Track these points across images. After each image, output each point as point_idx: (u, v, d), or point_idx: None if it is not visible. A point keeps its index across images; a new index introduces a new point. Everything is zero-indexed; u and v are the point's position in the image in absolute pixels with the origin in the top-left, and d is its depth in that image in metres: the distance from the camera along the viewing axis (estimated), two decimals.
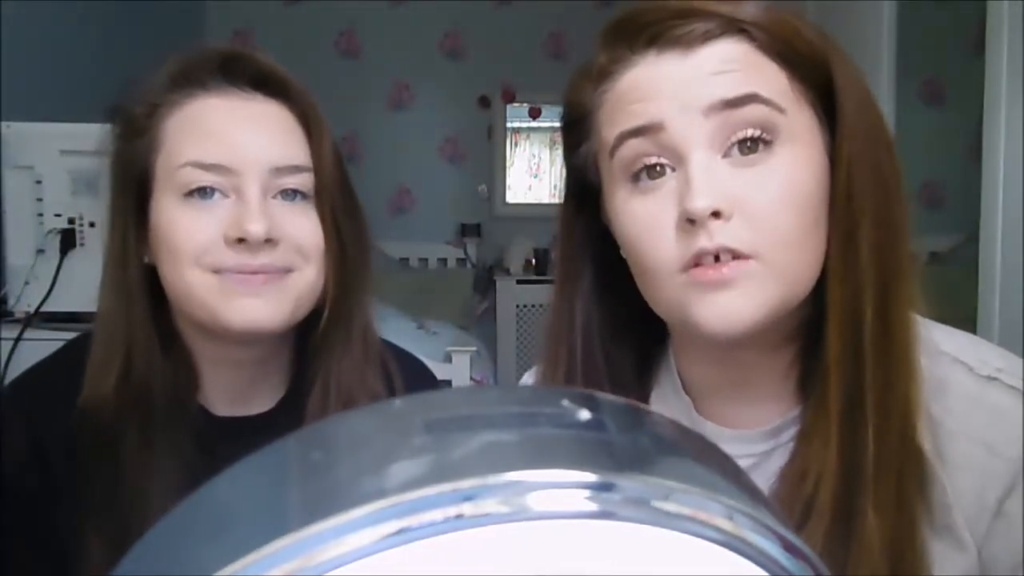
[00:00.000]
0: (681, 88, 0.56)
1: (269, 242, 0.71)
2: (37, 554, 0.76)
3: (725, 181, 0.55)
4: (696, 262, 0.56)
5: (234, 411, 0.81)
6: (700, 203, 0.54)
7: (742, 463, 0.67)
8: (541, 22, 4.18)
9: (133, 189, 0.75)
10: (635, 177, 0.59)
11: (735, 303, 0.55)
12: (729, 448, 0.68)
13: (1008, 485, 0.57)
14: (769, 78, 0.57)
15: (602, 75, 0.61)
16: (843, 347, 0.57)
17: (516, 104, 4.26)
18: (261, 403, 0.82)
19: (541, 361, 0.71)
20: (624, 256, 0.63)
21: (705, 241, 0.55)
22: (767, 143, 0.56)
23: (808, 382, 0.61)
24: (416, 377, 0.90)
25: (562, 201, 0.69)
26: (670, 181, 0.57)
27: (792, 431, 0.62)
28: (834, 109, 0.59)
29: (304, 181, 0.75)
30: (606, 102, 0.61)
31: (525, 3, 4.17)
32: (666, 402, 0.69)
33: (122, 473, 0.73)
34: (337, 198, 0.76)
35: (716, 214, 0.55)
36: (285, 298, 0.73)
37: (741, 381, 0.64)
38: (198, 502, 0.25)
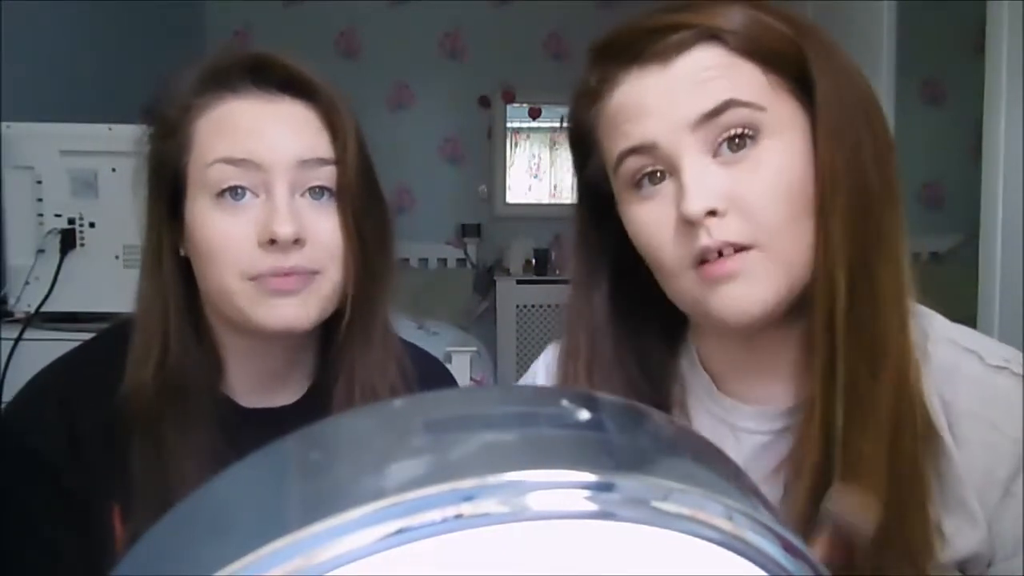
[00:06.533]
0: (665, 104, 0.60)
1: (298, 242, 0.74)
2: (67, 537, 0.77)
3: (717, 180, 0.59)
4: (702, 259, 0.60)
5: (260, 402, 0.83)
6: (695, 206, 0.58)
7: (759, 439, 0.67)
8: (541, 22, 4.17)
9: (166, 188, 0.78)
10: (638, 185, 0.63)
11: (745, 292, 0.59)
12: (747, 424, 0.68)
13: (1015, 465, 0.60)
14: (746, 78, 0.60)
15: (594, 95, 0.65)
16: (824, 315, 0.60)
17: (516, 104, 4.26)
18: (286, 395, 0.84)
19: (560, 351, 0.73)
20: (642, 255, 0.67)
21: (706, 239, 0.59)
22: (752, 138, 0.60)
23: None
24: (432, 375, 0.92)
25: (575, 210, 0.72)
26: (668, 185, 0.61)
27: None
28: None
29: (330, 175, 0.77)
30: (601, 120, 0.65)
31: (525, 3, 4.17)
32: (686, 383, 0.72)
33: (152, 460, 0.75)
34: (360, 196, 0.78)
35: (712, 213, 0.59)
36: (314, 299, 0.76)
37: (757, 361, 0.68)
38: (198, 502, 0.25)
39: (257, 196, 0.75)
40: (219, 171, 0.74)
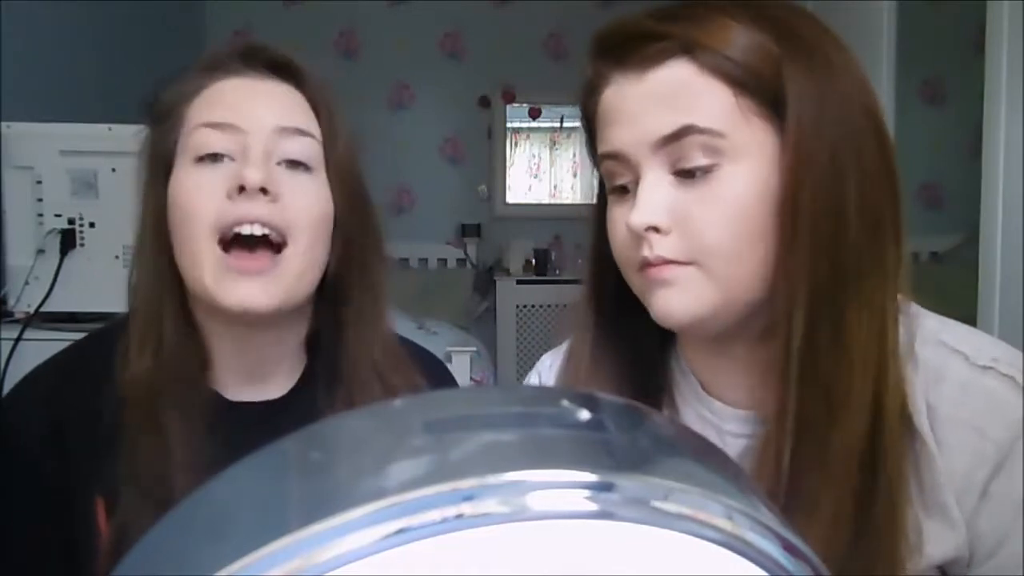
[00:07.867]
0: (635, 118, 0.62)
1: (268, 195, 0.75)
2: (41, 526, 0.78)
3: (669, 199, 0.61)
4: (644, 265, 0.63)
5: (246, 395, 0.83)
6: (637, 219, 0.61)
7: (745, 443, 0.66)
8: (541, 22, 4.18)
9: (161, 172, 0.79)
10: (613, 190, 0.66)
11: (676, 299, 0.62)
12: (733, 427, 0.68)
13: (995, 466, 0.59)
14: (711, 101, 0.59)
15: (592, 89, 0.66)
16: (784, 350, 0.60)
17: (516, 104, 4.26)
18: (273, 389, 0.84)
19: (568, 340, 0.75)
20: None
21: (646, 251, 0.62)
22: (710, 167, 0.60)
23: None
24: (433, 376, 0.91)
25: (595, 197, 0.73)
26: (632, 193, 0.64)
27: None
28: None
29: (306, 148, 0.79)
30: (598, 113, 0.66)
31: (525, 3, 4.17)
32: (676, 383, 0.73)
33: (140, 449, 0.76)
34: (347, 176, 0.80)
35: (655, 229, 0.61)
36: (279, 283, 0.76)
37: (735, 369, 0.68)
38: (198, 502, 0.25)
39: (234, 160, 0.76)
40: (200, 135, 0.76)
